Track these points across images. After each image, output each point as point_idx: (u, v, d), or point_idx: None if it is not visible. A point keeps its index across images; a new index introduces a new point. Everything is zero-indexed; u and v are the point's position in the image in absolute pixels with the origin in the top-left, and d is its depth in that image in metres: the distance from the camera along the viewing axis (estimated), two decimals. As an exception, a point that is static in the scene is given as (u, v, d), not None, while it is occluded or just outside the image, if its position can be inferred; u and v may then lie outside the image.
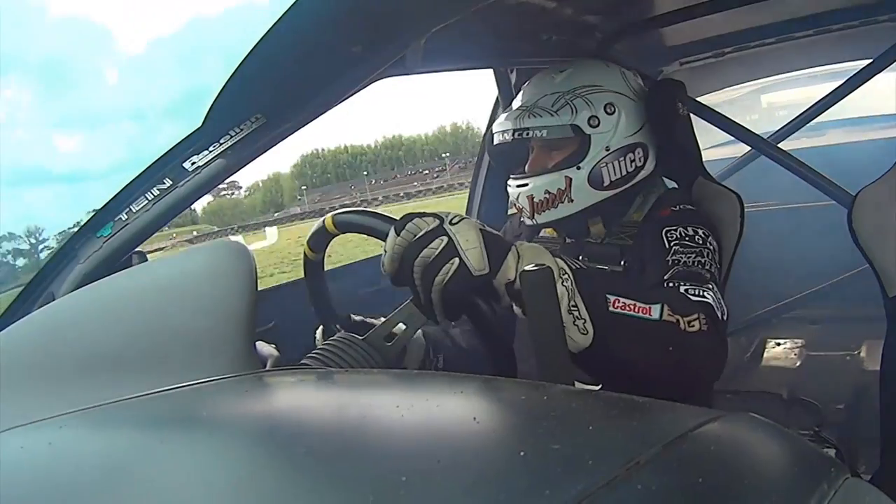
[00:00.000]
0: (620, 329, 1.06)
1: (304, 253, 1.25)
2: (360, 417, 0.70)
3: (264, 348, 1.14)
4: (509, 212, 1.89)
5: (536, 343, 0.93)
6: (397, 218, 1.05)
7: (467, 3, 1.44)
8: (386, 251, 1.03)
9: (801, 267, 2.61)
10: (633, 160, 1.56)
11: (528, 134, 1.53)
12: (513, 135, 1.55)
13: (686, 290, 1.24)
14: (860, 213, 1.54)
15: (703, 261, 1.36)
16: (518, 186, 1.56)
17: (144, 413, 0.76)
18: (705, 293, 1.24)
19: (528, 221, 1.58)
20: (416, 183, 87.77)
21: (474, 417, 0.65)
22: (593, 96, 1.54)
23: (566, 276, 1.04)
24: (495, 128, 1.61)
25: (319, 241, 1.22)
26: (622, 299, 1.09)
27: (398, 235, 1.02)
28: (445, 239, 0.99)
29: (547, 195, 1.52)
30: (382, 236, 1.05)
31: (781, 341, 2.78)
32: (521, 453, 0.55)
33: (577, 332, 1.03)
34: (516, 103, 1.63)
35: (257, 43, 1.26)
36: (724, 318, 1.27)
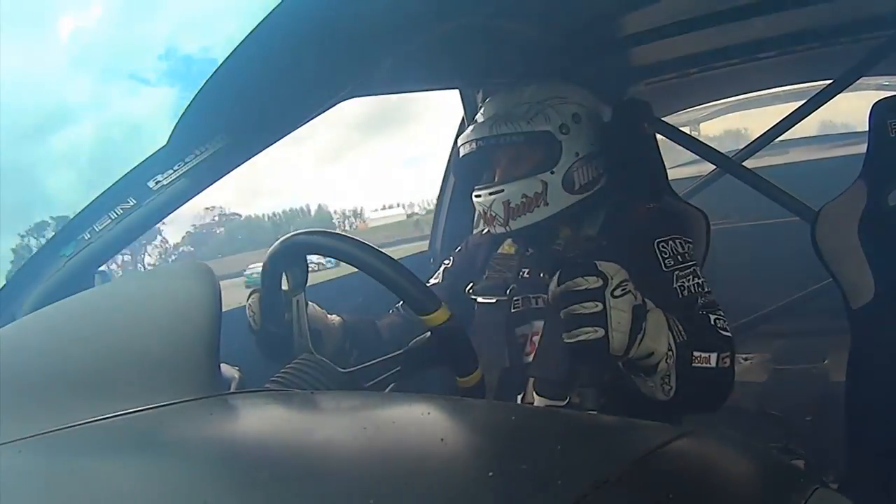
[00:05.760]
0: (699, 380, 1.25)
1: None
2: (326, 440, 0.69)
3: (228, 370, 1.12)
4: (475, 228, 1.88)
5: None
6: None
7: (433, 24, 1.45)
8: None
9: (767, 282, 2.63)
10: (598, 167, 1.59)
11: (505, 140, 1.55)
12: (488, 141, 1.56)
13: (716, 322, 1.34)
14: (823, 229, 1.58)
15: (699, 282, 1.41)
16: (491, 193, 1.56)
17: (107, 437, 0.74)
18: (727, 323, 1.35)
19: (499, 230, 1.58)
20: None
21: (441, 438, 0.64)
22: (562, 107, 1.58)
23: (671, 353, 1.21)
24: (463, 138, 1.62)
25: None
26: (700, 353, 1.26)
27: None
28: (600, 306, 1.12)
29: (524, 199, 1.54)
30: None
31: (748, 356, 2.79)
32: (490, 474, 0.54)
33: (659, 388, 1.23)
34: (485, 115, 1.64)
35: (223, 62, 1.25)
36: None
